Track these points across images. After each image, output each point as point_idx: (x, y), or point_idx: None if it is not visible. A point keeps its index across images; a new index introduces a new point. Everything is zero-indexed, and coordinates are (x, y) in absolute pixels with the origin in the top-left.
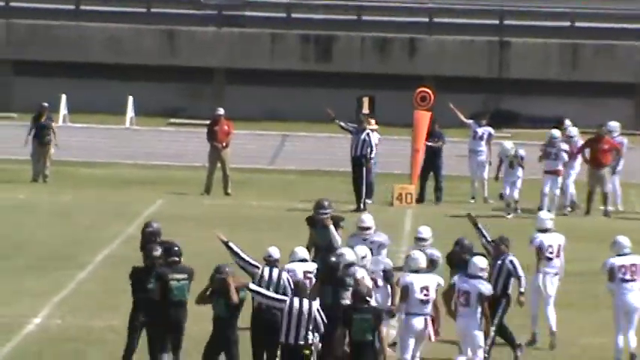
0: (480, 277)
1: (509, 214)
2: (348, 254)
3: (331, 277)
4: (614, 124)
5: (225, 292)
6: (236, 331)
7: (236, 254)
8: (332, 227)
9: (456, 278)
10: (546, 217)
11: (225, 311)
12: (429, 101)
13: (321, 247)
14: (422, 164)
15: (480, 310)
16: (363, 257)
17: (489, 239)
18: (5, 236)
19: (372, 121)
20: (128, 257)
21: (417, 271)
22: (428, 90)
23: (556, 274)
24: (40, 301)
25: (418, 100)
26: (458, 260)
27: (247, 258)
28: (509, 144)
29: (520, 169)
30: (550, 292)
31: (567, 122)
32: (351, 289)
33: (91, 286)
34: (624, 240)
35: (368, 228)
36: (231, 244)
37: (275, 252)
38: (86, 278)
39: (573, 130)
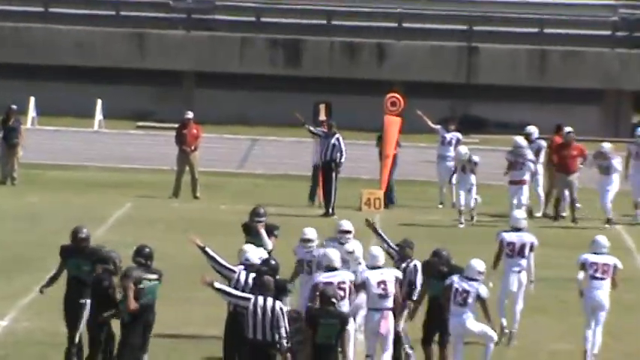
0: (478, 280)
1: (461, 223)
2: (332, 254)
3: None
4: (532, 128)
5: (125, 298)
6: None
7: (212, 258)
8: (262, 231)
9: (454, 278)
10: (520, 216)
11: (126, 315)
12: (399, 106)
13: None
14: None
15: (470, 310)
16: (350, 252)
17: (391, 244)
18: None
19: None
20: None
21: (373, 267)
22: (398, 95)
23: (519, 272)
24: (6, 305)
25: (388, 105)
26: (434, 271)
27: (223, 262)
28: (463, 149)
29: (473, 176)
30: (513, 288)
31: (530, 128)
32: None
33: (57, 289)
34: (603, 240)
35: (348, 232)
36: (207, 249)
37: (253, 257)
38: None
39: (535, 133)
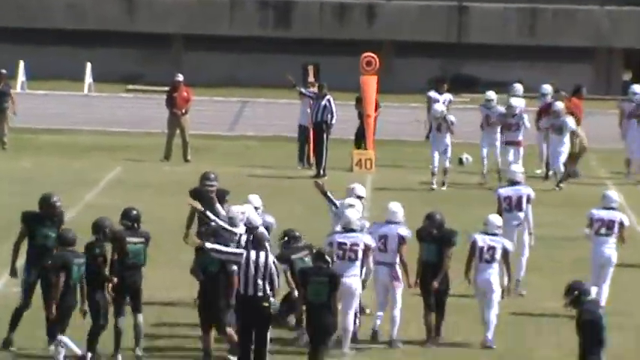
0: (500, 234)
1: (432, 185)
2: (351, 215)
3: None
4: (546, 87)
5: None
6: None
7: (213, 221)
8: (214, 198)
9: (477, 237)
10: (518, 169)
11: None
12: (374, 66)
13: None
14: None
15: (498, 266)
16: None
17: (338, 206)
18: None
19: (316, 89)
20: (87, 224)
21: (389, 222)
22: (373, 55)
23: (518, 225)
24: None
25: (364, 65)
26: (425, 234)
27: (223, 224)
28: (440, 106)
29: (448, 135)
30: (510, 239)
31: (517, 86)
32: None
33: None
34: (613, 195)
35: (361, 197)
36: (207, 213)
37: (256, 218)
38: None
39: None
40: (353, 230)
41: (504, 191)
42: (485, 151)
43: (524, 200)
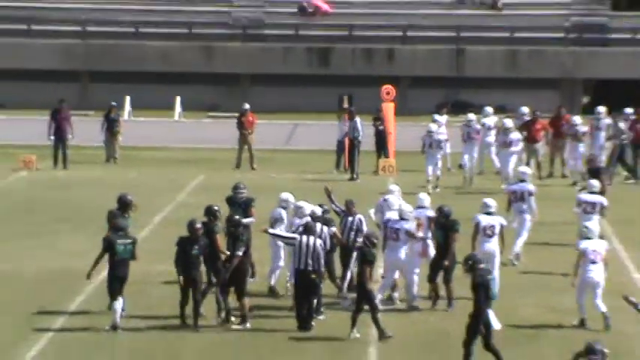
0: (495, 214)
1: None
2: (406, 208)
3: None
4: (524, 109)
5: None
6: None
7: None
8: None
9: (478, 217)
10: (525, 170)
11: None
12: (392, 95)
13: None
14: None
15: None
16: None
17: (339, 206)
18: (83, 205)
19: (346, 117)
20: (178, 219)
21: (418, 207)
22: (391, 87)
23: (521, 212)
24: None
25: (384, 94)
26: (436, 223)
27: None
28: (434, 126)
29: (440, 153)
30: (515, 225)
31: (488, 109)
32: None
33: (151, 241)
34: (491, 201)
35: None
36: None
37: (317, 209)
38: (147, 236)
39: (490, 120)
40: (404, 219)
41: (512, 187)
42: (466, 157)
43: (526, 194)
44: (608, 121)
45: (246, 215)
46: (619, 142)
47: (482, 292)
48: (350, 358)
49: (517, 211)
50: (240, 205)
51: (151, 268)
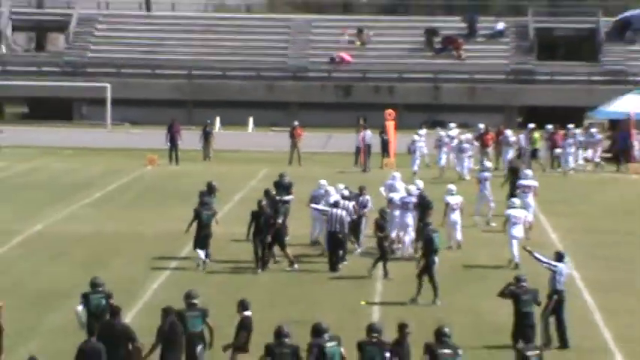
0: (456, 194)
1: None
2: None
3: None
4: (481, 125)
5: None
6: None
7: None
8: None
9: (446, 197)
10: (529, 172)
11: None
12: (393, 116)
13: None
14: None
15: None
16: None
17: (351, 191)
18: (187, 188)
19: (361, 130)
20: (251, 198)
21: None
22: (392, 110)
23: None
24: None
25: (387, 116)
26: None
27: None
28: (417, 137)
29: (417, 154)
30: (526, 205)
31: (452, 125)
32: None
33: (232, 212)
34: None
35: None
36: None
37: (345, 191)
38: (230, 208)
39: (453, 133)
40: (410, 195)
41: (521, 182)
42: (443, 159)
43: (530, 190)
44: (514, 138)
45: (288, 194)
46: (524, 152)
47: (430, 246)
48: (364, 289)
49: (524, 199)
50: (284, 187)
51: (233, 229)
